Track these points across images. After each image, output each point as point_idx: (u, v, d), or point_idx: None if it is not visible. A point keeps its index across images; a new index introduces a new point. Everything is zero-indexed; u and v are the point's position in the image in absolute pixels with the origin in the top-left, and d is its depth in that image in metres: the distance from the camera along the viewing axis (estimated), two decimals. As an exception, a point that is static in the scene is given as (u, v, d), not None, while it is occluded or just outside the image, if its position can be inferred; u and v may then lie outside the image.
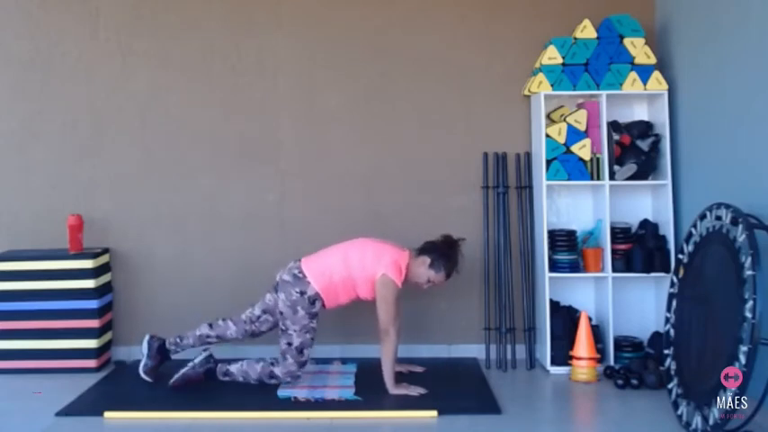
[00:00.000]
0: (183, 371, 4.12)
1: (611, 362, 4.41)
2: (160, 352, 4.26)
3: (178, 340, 4.26)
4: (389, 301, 3.97)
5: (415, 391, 3.94)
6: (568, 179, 4.49)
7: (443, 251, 4.06)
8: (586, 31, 4.49)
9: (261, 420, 3.72)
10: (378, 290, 3.99)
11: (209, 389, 4.13)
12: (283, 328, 4.04)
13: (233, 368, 4.12)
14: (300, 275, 4.04)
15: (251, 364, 4.09)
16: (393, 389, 3.95)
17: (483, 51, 4.76)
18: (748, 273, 3.19)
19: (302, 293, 4.00)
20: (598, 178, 4.50)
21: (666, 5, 4.63)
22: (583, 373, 4.24)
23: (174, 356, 4.28)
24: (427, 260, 4.06)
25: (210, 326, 4.26)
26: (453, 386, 4.18)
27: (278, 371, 4.04)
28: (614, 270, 4.45)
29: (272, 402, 3.90)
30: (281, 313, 4.03)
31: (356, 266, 4.03)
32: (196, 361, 4.16)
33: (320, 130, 4.79)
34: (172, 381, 4.09)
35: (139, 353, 4.76)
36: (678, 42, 4.47)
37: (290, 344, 4.01)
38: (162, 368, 4.26)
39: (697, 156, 4.26)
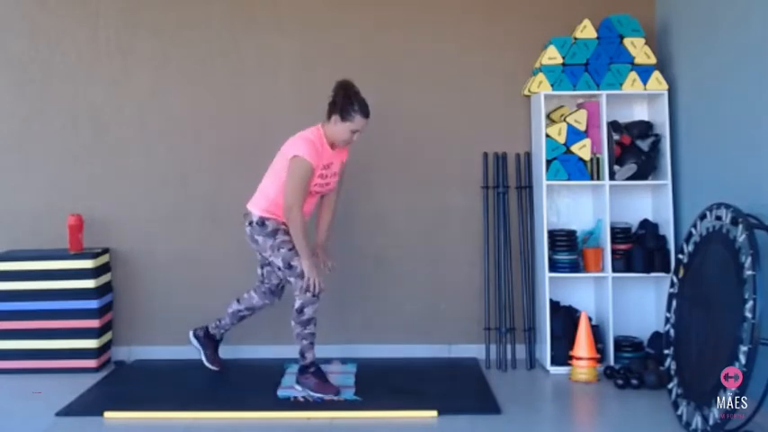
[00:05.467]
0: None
1: (611, 362, 4.41)
2: (208, 337, 4.41)
3: (218, 322, 4.39)
4: (296, 179, 3.92)
5: (316, 276, 3.93)
6: (568, 179, 4.49)
7: (344, 100, 4.00)
8: (586, 31, 4.49)
9: (261, 420, 3.72)
10: (288, 170, 3.96)
11: (210, 389, 4.14)
12: (266, 262, 4.18)
13: (298, 346, 4.04)
14: (246, 211, 4.14)
15: (294, 331, 4.02)
16: (305, 262, 3.93)
17: (483, 51, 4.76)
18: (748, 273, 3.19)
19: (251, 223, 4.08)
20: (598, 178, 4.50)
21: (666, 5, 4.63)
22: (583, 373, 4.24)
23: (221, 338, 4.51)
24: (337, 117, 4.00)
25: (238, 300, 4.35)
26: (453, 386, 4.18)
27: (297, 301, 3.97)
28: (614, 270, 4.45)
29: (272, 402, 3.90)
30: (258, 253, 4.16)
31: (281, 170, 4.02)
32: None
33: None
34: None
35: (139, 353, 4.79)
36: (678, 42, 4.47)
37: (279, 268, 4.04)
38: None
39: (697, 156, 4.26)
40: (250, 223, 4.08)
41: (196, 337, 4.42)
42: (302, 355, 4.04)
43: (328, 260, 4.28)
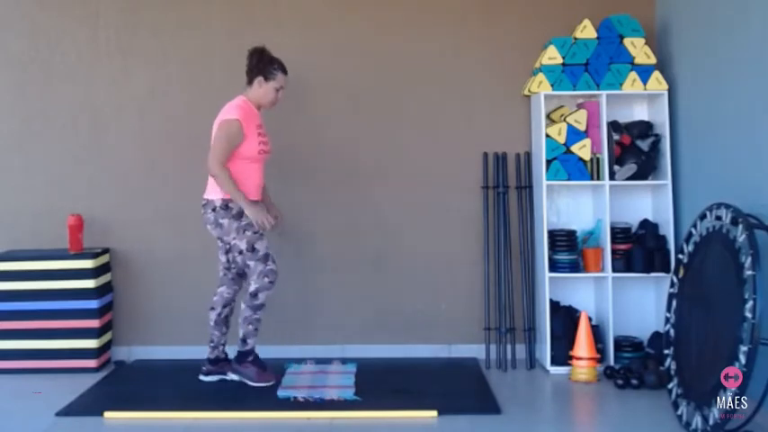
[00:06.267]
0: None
1: (611, 362, 4.41)
2: (215, 363, 4.26)
3: (211, 344, 4.27)
4: (223, 140, 4.01)
5: (268, 219, 4.02)
6: (568, 179, 4.49)
7: (262, 63, 4.14)
8: (586, 31, 4.49)
9: (261, 420, 3.72)
10: (215, 133, 4.04)
11: (210, 389, 4.13)
12: (227, 247, 4.14)
13: (241, 331, 4.10)
14: (204, 201, 4.12)
15: (242, 315, 4.09)
16: (248, 208, 4.00)
17: (483, 51, 4.76)
18: (748, 273, 3.19)
19: (214, 209, 4.06)
20: (598, 178, 4.50)
21: (666, 5, 4.63)
22: (583, 373, 4.24)
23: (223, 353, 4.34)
24: (261, 79, 4.13)
25: (212, 308, 4.29)
26: (453, 386, 4.18)
27: (253, 285, 4.04)
28: (614, 270, 4.45)
29: (272, 402, 3.90)
30: (218, 238, 4.13)
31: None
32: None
33: (320, 130, 4.79)
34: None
35: (139, 353, 4.79)
36: (678, 42, 4.47)
37: (240, 252, 4.04)
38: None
39: (697, 156, 4.26)
40: (213, 209, 4.05)
41: (207, 374, 4.25)
42: (244, 340, 4.07)
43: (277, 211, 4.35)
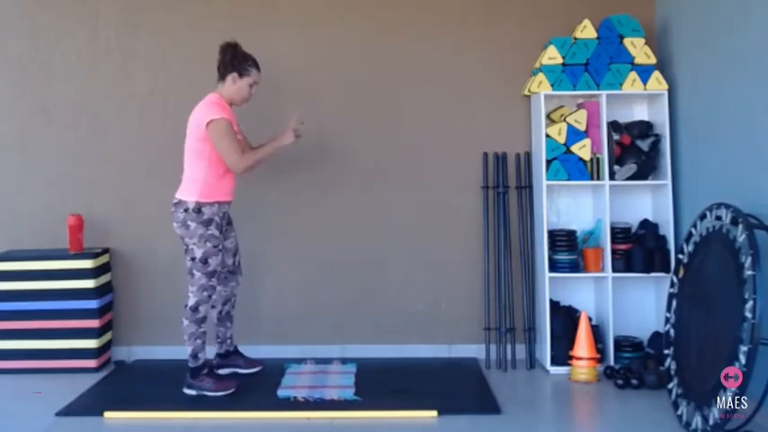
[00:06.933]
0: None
1: (611, 362, 4.41)
2: (227, 357, 4.32)
3: (218, 341, 4.30)
4: (224, 138, 3.94)
5: (292, 132, 4.11)
6: (568, 179, 4.49)
7: (235, 59, 4.08)
8: (586, 31, 4.49)
9: (261, 420, 3.72)
10: (211, 139, 3.95)
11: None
12: (185, 247, 4.04)
13: (190, 347, 4.05)
14: (176, 201, 4.05)
15: (186, 331, 4.04)
16: (279, 141, 4.12)
17: (483, 51, 4.76)
18: (748, 273, 3.19)
19: (186, 210, 3.99)
20: (598, 178, 4.50)
21: (666, 5, 4.63)
22: (583, 373, 4.24)
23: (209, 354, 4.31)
24: (235, 75, 4.07)
25: (212, 306, 4.26)
26: (453, 386, 4.18)
27: (192, 299, 4.00)
28: (614, 270, 4.45)
29: (272, 402, 3.90)
30: (181, 238, 4.05)
31: (201, 149, 4.00)
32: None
33: (320, 130, 4.78)
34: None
35: (139, 353, 4.79)
36: (678, 42, 4.47)
37: (193, 258, 3.99)
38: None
39: (697, 156, 4.26)
40: (185, 210, 3.98)
41: (218, 367, 4.30)
42: (195, 356, 4.03)
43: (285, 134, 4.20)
